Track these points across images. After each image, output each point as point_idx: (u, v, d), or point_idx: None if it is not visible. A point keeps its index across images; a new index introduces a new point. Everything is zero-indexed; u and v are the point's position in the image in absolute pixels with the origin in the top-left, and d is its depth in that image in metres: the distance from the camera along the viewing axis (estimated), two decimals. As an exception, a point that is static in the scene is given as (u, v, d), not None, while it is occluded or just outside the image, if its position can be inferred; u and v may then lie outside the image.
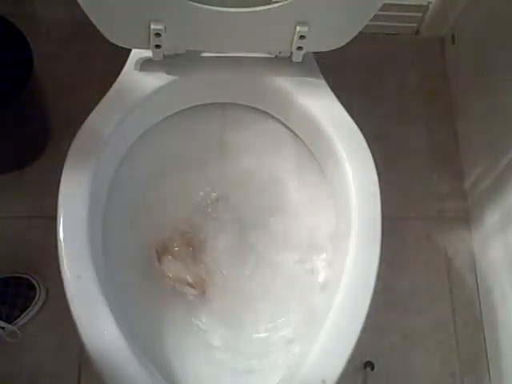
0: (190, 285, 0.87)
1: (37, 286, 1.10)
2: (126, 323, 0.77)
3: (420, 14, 1.30)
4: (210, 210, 0.93)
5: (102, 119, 0.84)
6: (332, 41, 0.87)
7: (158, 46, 0.84)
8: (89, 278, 0.75)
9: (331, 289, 0.82)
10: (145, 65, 0.88)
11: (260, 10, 0.80)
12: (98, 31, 0.82)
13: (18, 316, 1.08)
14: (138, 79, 0.87)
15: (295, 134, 0.94)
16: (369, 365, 1.10)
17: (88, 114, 0.84)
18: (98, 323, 0.74)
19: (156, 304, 0.87)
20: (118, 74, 0.88)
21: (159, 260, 0.88)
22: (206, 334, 0.85)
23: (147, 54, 0.87)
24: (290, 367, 0.79)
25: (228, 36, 0.85)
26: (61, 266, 0.76)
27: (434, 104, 1.33)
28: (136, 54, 0.89)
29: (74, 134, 0.83)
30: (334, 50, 0.88)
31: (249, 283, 0.89)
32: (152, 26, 0.80)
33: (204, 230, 0.91)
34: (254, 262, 0.90)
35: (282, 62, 0.90)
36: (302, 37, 0.84)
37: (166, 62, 0.88)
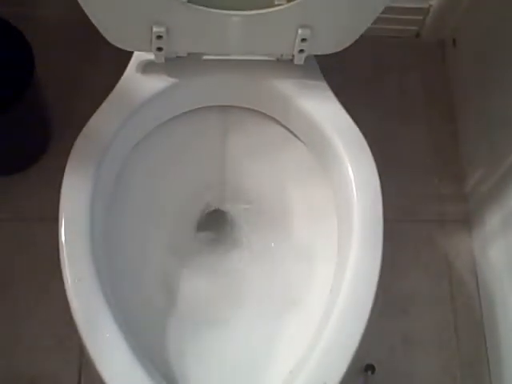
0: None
1: None
2: (127, 325, 0.77)
3: (421, 17, 1.30)
4: (210, 212, 0.93)
5: (104, 122, 0.84)
6: (334, 44, 0.88)
7: (159, 49, 0.84)
8: (90, 280, 0.75)
9: (333, 291, 0.82)
10: (147, 67, 0.88)
11: (262, 13, 0.80)
12: (100, 33, 0.82)
13: None
14: (139, 82, 0.87)
15: (297, 137, 0.94)
16: (370, 368, 1.10)
17: (89, 116, 0.84)
18: (98, 325, 0.74)
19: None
20: (120, 76, 0.88)
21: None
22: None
23: (149, 56, 0.87)
24: (291, 371, 0.79)
25: (230, 39, 0.85)
26: (62, 269, 0.76)
27: (435, 107, 1.33)
28: (138, 57, 0.89)
29: (75, 136, 0.83)
30: (335, 53, 0.88)
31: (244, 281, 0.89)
32: (154, 29, 0.80)
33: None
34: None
35: (283, 65, 0.90)
36: (303, 40, 0.84)
37: (167, 64, 0.88)
